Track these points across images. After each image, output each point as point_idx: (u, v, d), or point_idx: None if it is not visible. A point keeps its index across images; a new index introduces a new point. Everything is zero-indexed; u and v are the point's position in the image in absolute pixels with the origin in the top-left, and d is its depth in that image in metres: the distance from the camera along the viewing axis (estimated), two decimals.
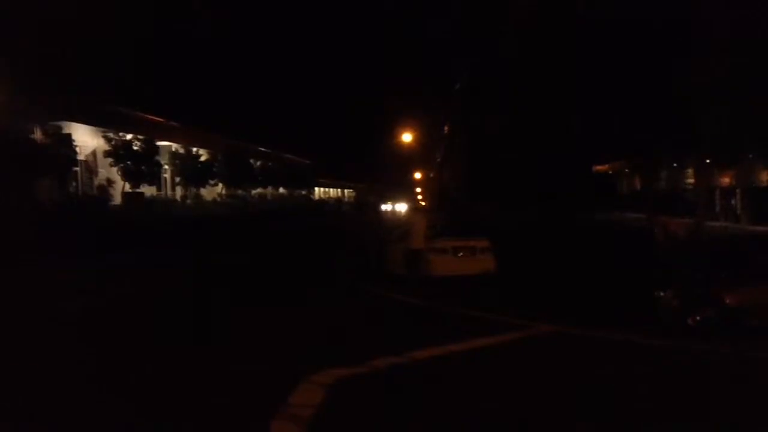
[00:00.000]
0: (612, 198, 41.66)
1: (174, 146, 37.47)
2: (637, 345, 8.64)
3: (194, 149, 38.58)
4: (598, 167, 46.70)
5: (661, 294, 9.63)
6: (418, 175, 67.44)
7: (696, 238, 15.68)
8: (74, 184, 28.69)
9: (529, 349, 8.53)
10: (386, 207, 67.06)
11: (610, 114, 35.42)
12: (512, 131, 37.96)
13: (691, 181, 34.40)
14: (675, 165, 36.13)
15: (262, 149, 52.32)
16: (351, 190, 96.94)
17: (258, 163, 49.52)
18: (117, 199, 30.04)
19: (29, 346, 8.58)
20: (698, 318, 9.11)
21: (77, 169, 28.34)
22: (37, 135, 24.46)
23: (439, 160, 44.74)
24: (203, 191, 40.09)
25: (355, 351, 8.05)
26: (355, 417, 5.78)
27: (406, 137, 48.47)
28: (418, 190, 65.01)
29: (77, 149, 26.31)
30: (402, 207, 60.88)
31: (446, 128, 41.44)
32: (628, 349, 8.47)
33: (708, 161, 29.06)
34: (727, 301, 8.83)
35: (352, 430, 5.49)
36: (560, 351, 8.39)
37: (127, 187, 30.96)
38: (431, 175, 55.56)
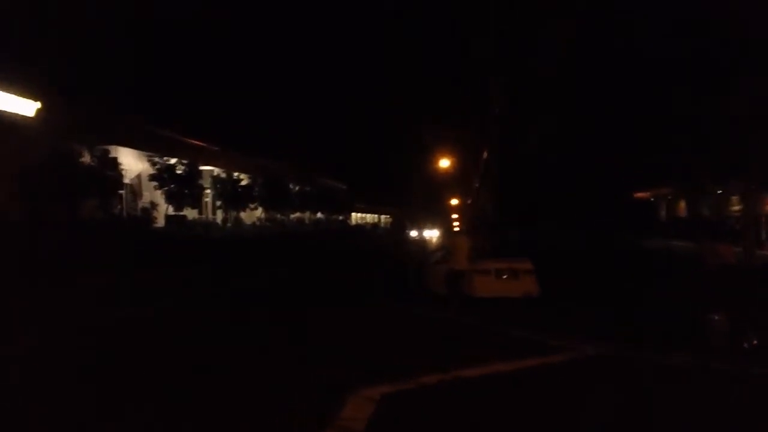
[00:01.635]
0: (653, 225, 41.05)
1: (216, 170, 38.13)
2: (689, 367, 8.45)
3: (235, 174, 39.19)
4: (639, 194, 46.14)
5: (714, 317, 9.42)
6: (454, 201, 67.33)
7: (746, 265, 15.33)
8: (119, 206, 29.33)
9: (576, 371, 8.41)
10: (415, 233, 64.84)
11: (651, 140, 35.05)
12: (552, 156, 37.72)
13: (736, 208, 33.73)
14: (720, 192, 35.50)
15: (301, 174, 52.89)
16: (387, 216, 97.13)
17: (296, 187, 50.03)
18: (160, 222, 30.58)
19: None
20: (755, 342, 8.90)
21: (122, 191, 28.99)
22: (86, 158, 25.10)
23: (477, 185, 44.58)
24: (243, 215, 40.60)
25: (401, 368, 8.02)
26: (405, 429, 5.77)
27: (444, 163, 48.55)
28: (455, 216, 64.84)
29: (123, 172, 26.92)
30: (434, 233, 58.60)
31: (485, 153, 41.33)
32: (679, 372, 8.29)
33: (754, 188, 28.46)
34: None
35: None
36: (608, 373, 8.26)
37: (170, 210, 31.54)
38: (468, 201, 55.43)
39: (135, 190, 30.46)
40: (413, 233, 65.66)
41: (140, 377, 7.76)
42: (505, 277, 13.92)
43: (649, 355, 9.04)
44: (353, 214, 78.30)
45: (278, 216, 46.26)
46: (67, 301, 14.47)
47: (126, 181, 28.29)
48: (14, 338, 10.29)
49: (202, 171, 33.99)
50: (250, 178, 41.09)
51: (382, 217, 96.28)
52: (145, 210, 29.45)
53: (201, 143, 37.62)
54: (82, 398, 6.81)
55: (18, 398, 6.84)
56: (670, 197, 43.80)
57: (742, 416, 6.31)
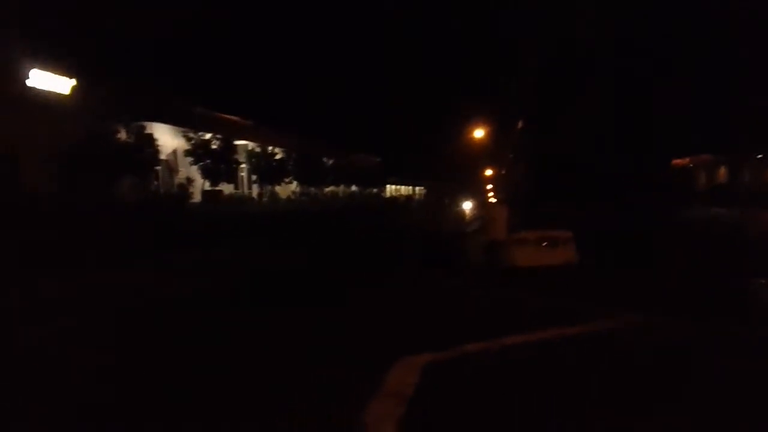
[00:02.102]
0: (692, 192, 40.29)
1: (250, 145, 38.33)
2: (734, 334, 8.27)
3: (269, 148, 39.35)
4: (677, 161, 45.25)
5: (758, 284, 9.20)
6: (489, 172, 66.79)
7: None
8: (156, 182, 29.70)
9: (619, 337, 8.28)
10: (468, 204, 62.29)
11: (689, 107, 34.27)
12: (588, 125, 37.14)
13: None
14: (760, 156, 34.66)
15: (334, 148, 52.96)
16: (421, 188, 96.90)
17: (330, 161, 50.12)
18: (197, 197, 30.91)
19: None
20: None
21: (159, 168, 29.31)
22: (122, 135, 25.39)
23: (512, 156, 44.19)
24: (278, 189, 40.84)
25: (445, 337, 8.00)
26: (451, 397, 5.76)
27: (478, 133, 48.11)
28: (489, 186, 64.28)
29: (159, 148, 27.19)
30: (467, 205, 55.02)
31: (520, 123, 40.88)
32: (723, 338, 8.11)
33: None
34: None
35: (449, 408, 5.46)
36: (652, 340, 8.11)
37: (207, 185, 31.84)
38: (503, 171, 54.97)
39: (171, 166, 30.80)
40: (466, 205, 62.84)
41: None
42: (544, 245, 13.78)
43: (691, 322, 8.87)
44: (387, 186, 78.27)
45: (312, 190, 46.46)
46: (107, 284, 14.69)
47: (162, 157, 28.59)
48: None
49: (236, 146, 34.18)
50: (284, 152, 41.26)
51: (417, 189, 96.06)
52: (181, 186, 29.78)
53: (234, 118, 37.82)
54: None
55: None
56: (709, 163, 42.88)
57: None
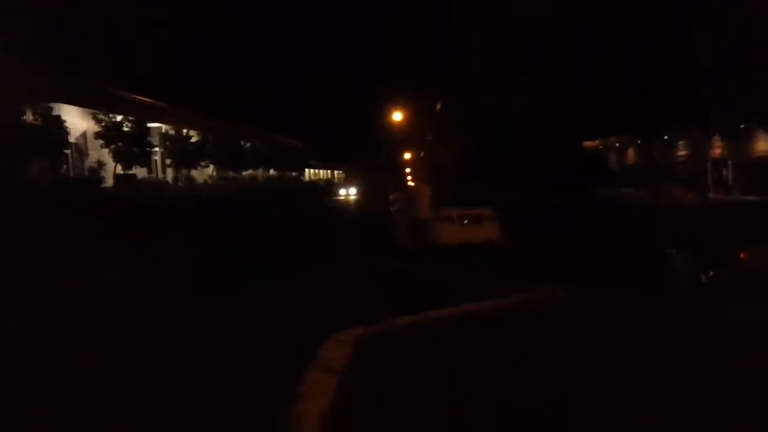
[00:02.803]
0: (603, 173, 41.82)
1: (164, 128, 37.14)
2: (649, 303, 8.66)
3: (185, 131, 38.23)
4: (588, 143, 46.82)
5: (674, 253, 9.67)
6: (407, 156, 67.20)
7: (701, 205, 15.71)
8: (65, 166, 28.39)
9: (537, 309, 8.52)
10: (344, 191, 59.24)
11: (598, 88, 35.49)
12: (505, 108, 37.92)
13: (682, 153, 34.59)
14: (666, 138, 36.33)
15: (254, 131, 52.04)
16: (340, 172, 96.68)
17: (248, 144, 49.21)
18: (109, 181, 29.75)
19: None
20: (711, 275, 9.18)
21: (68, 151, 28.02)
22: (28, 116, 24.11)
23: (430, 138, 44.63)
24: (194, 173, 39.80)
25: (372, 313, 8.04)
26: (380, 367, 5.87)
27: (397, 116, 48.33)
28: (408, 170, 64.71)
29: (68, 131, 25.97)
30: (352, 190, 55.63)
31: (438, 106, 41.32)
32: (638, 308, 8.47)
33: (700, 133, 29.22)
34: (741, 257, 8.90)
35: (380, 378, 5.52)
36: (567, 311, 8.40)
37: (119, 169, 30.68)
38: (422, 154, 55.46)
39: (81, 149, 29.49)
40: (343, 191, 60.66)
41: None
42: (466, 222, 14.01)
43: (609, 292, 9.23)
44: (307, 170, 77.64)
45: (230, 173, 45.53)
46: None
47: (71, 140, 27.34)
48: None
49: (150, 128, 33.03)
50: (201, 135, 40.16)
51: (336, 173, 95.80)
52: (92, 170, 28.57)
53: (149, 100, 36.58)
54: None
55: None
56: (618, 145, 44.62)
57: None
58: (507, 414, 4.37)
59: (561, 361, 5.83)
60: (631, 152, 43.21)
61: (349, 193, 55.47)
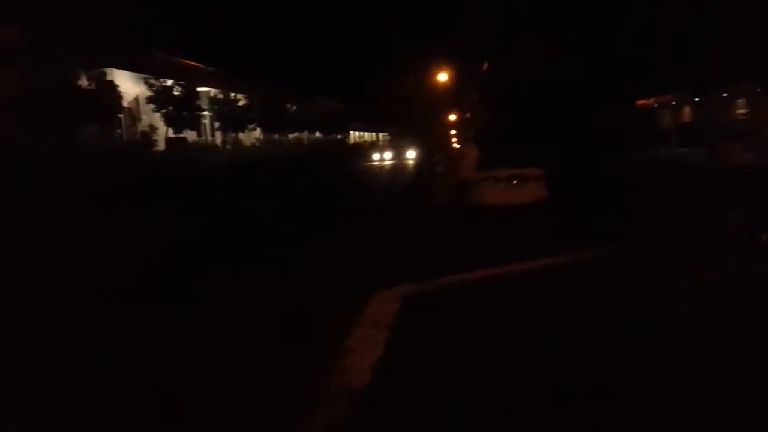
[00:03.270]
0: (657, 133, 40.77)
1: (213, 91, 37.62)
2: (707, 262, 8.49)
3: (232, 94, 38.68)
4: (642, 102, 45.60)
5: (730, 215, 9.45)
6: (452, 117, 66.54)
7: (759, 166, 15.25)
8: (118, 130, 29.09)
9: (592, 268, 8.46)
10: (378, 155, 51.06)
11: (652, 46, 34.42)
12: (552, 67, 37.07)
13: (741, 112, 33.47)
14: (724, 95, 35.14)
15: (297, 94, 52.21)
16: (384, 134, 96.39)
17: (294, 107, 49.48)
18: (161, 145, 30.41)
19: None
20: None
21: (121, 115, 28.68)
22: (83, 82, 24.72)
23: (476, 98, 44.07)
24: (242, 136, 40.33)
25: (420, 271, 8.13)
26: (428, 324, 5.93)
27: (442, 77, 47.81)
28: (452, 132, 64.05)
29: (121, 96, 26.56)
30: (411, 154, 48.08)
31: (485, 65, 40.69)
32: (696, 266, 8.33)
33: (760, 91, 28.20)
34: None
35: (427, 335, 5.61)
36: (624, 270, 8.33)
37: (170, 133, 31.31)
38: (467, 115, 54.85)
39: (133, 113, 30.17)
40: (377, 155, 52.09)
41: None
42: (515, 183, 13.88)
43: (664, 252, 9.10)
44: (351, 133, 77.74)
45: (276, 136, 45.98)
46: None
47: (124, 104, 27.97)
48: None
49: (199, 92, 33.53)
50: (247, 99, 40.58)
51: (380, 135, 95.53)
52: (144, 134, 29.24)
53: (197, 64, 37.02)
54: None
55: None
56: (674, 103, 43.36)
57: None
58: (560, 379, 4.41)
59: (616, 324, 5.83)
60: (687, 111, 42.02)
61: (384, 157, 49.47)
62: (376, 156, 50.31)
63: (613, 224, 11.73)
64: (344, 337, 5.32)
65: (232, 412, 4.01)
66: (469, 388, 4.23)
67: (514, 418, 3.78)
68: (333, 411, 3.85)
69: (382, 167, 40.10)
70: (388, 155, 50.07)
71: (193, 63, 36.63)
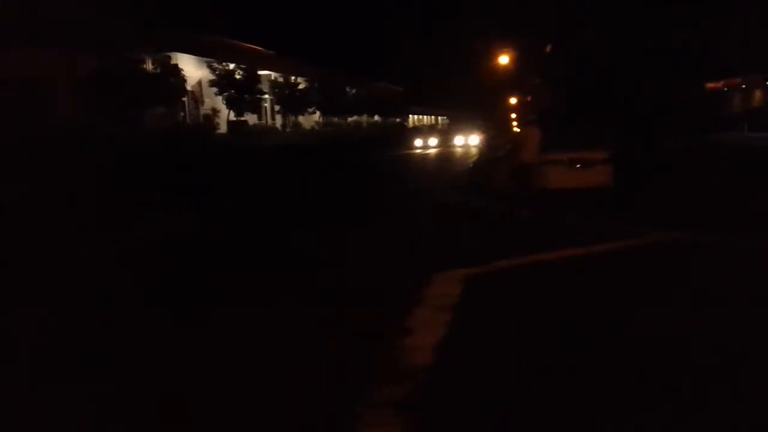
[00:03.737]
0: (725, 116, 39.32)
1: (273, 75, 37.99)
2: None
3: (292, 78, 38.99)
4: (710, 84, 43.96)
5: None
6: (513, 100, 65.59)
7: None
8: (182, 113, 29.71)
9: (650, 254, 8.22)
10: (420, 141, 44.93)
11: (722, 28, 33.11)
12: (618, 48, 36.06)
13: None
14: None
15: (356, 77, 52.29)
16: (443, 118, 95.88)
17: (353, 91, 49.59)
18: (222, 128, 30.94)
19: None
20: None
21: (185, 98, 29.25)
22: (148, 65, 25.28)
23: (538, 81, 43.27)
24: (301, 119, 40.65)
25: (479, 254, 8.05)
26: (489, 306, 5.88)
27: (503, 59, 47.06)
28: (513, 115, 63.11)
29: (185, 79, 27.07)
30: (474, 140, 42.37)
31: (548, 47, 39.88)
32: (758, 254, 8.01)
33: None
34: None
35: (489, 316, 5.56)
36: (681, 256, 8.06)
37: (231, 116, 31.80)
38: (528, 98, 53.98)
39: (196, 96, 30.74)
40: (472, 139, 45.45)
41: None
42: (578, 167, 13.56)
43: (725, 239, 8.77)
44: (410, 116, 77.53)
45: (335, 120, 46.18)
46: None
47: (188, 87, 28.49)
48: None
49: (260, 76, 33.90)
50: (307, 82, 40.84)
51: (439, 118, 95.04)
52: (207, 116, 29.79)
53: (258, 48, 37.40)
54: None
55: None
56: (744, 87, 41.69)
57: None
58: (622, 363, 4.30)
59: (678, 309, 5.65)
60: (758, 94, 40.34)
61: (428, 143, 43.66)
62: (418, 142, 44.14)
63: (678, 209, 11.39)
64: (406, 317, 5.30)
65: (298, 387, 4.04)
66: (530, 372, 4.16)
67: (575, 402, 3.69)
68: (396, 389, 3.83)
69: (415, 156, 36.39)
70: (433, 141, 44.43)
71: (254, 46, 37.02)
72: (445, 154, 35.16)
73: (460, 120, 70.18)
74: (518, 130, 38.59)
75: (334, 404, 3.74)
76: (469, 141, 42.99)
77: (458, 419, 3.53)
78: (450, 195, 15.70)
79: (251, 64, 33.23)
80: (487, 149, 25.17)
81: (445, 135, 46.10)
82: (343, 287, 6.71)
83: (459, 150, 39.60)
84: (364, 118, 54.53)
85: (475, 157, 23.82)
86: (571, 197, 12.91)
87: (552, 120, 33.42)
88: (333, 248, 9.10)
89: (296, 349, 4.81)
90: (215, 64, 30.63)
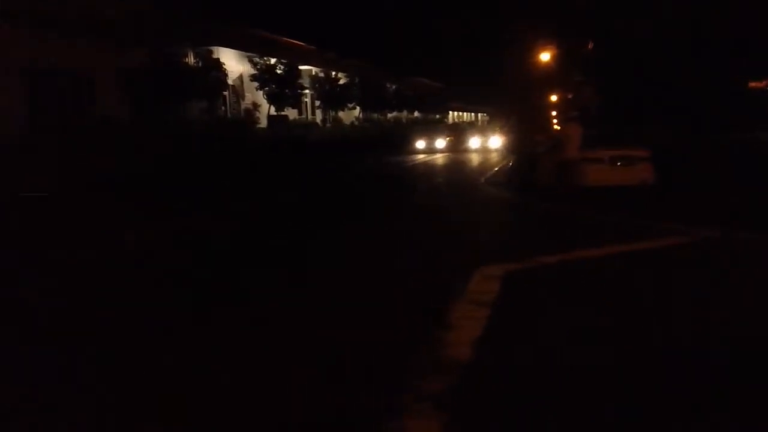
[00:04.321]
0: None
1: (314, 70, 38.19)
2: None
3: (333, 73, 39.15)
4: (754, 84, 42.85)
5: None
6: (553, 97, 64.77)
7: None
8: (223, 107, 30.07)
9: (693, 251, 8.08)
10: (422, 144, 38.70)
11: (765, 25, 32.26)
12: (657, 46, 35.42)
13: None
14: None
15: (396, 73, 52.24)
16: (483, 114, 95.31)
17: (393, 87, 49.60)
18: (263, 122, 31.23)
19: None
20: None
21: (226, 93, 29.59)
22: (190, 59, 25.63)
23: (579, 79, 42.68)
24: (341, 114, 40.81)
25: (519, 250, 8.02)
26: (530, 302, 5.83)
27: (544, 56, 46.55)
28: (553, 112, 62.26)
29: (226, 73, 27.38)
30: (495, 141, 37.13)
31: (590, 44, 39.33)
32: None
33: None
34: None
35: (529, 313, 5.51)
36: (726, 254, 7.91)
37: (272, 111, 32.08)
38: (569, 96, 53.28)
39: (237, 91, 31.08)
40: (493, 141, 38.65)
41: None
42: (619, 164, 13.42)
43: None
44: (450, 113, 77.26)
45: (375, 116, 46.26)
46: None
47: (229, 82, 28.82)
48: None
49: (300, 71, 34.13)
50: (347, 77, 40.98)
51: (479, 115, 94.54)
52: (248, 111, 30.10)
53: (299, 42, 37.60)
54: None
55: None
56: None
57: None
58: (667, 364, 4.24)
59: (722, 307, 5.55)
60: None
61: (435, 146, 37.62)
62: (419, 144, 37.36)
63: (722, 207, 11.16)
64: (447, 312, 5.31)
65: (336, 376, 4.08)
66: (569, 371, 4.12)
67: (618, 404, 3.65)
68: (434, 382, 3.84)
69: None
70: (440, 144, 37.93)
71: (295, 41, 37.23)
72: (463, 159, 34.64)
73: (498, 117, 69.24)
74: (559, 127, 38.14)
75: (372, 395, 3.76)
76: (489, 143, 37.26)
77: (494, 414, 3.53)
78: (490, 190, 15.68)
79: (292, 58, 33.47)
80: (513, 150, 24.82)
81: (458, 135, 39.96)
82: (386, 281, 6.75)
83: (475, 156, 34.33)
84: (404, 114, 54.50)
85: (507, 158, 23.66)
86: (612, 194, 12.77)
87: (593, 117, 32.98)
88: (378, 242, 9.17)
89: (337, 339, 4.86)
90: (256, 59, 30.92)
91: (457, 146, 37.20)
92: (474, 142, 37.89)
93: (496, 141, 36.22)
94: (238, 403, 3.73)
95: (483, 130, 41.25)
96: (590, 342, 4.65)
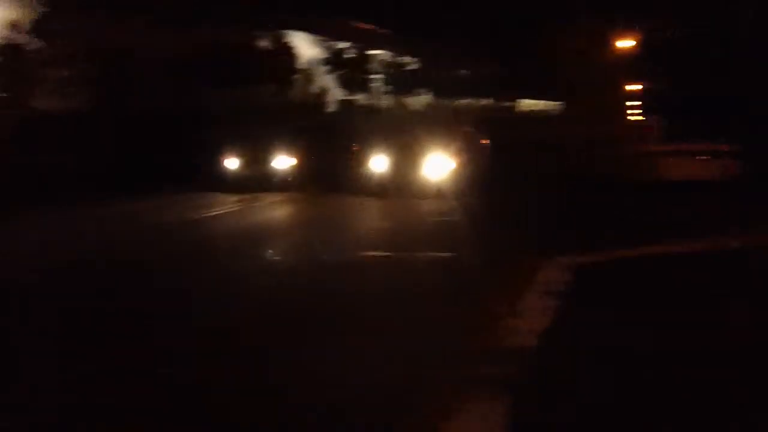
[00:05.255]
0: None
1: (384, 55, 37.99)
2: None
3: (402, 58, 38.85)
4: None
5: None
6: (631, 87, 62.83)
7: None
8: (292, 91, 30.21)
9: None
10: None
11: None
12: (736, 37, 33.78)
13: None
14: None
15: (468, 59, 51.40)
16: (558, 103, 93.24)
17: (464, 72, 48.90)
18: (332, 107, 31.30)
19: None
20: None
21: (296, 77, 29.73)
22: (261, 43, 25.80)
23: (659, 67, 41.19)
24: (411, 100, 40.53)
25: (590, 243, 7.75)
26: (600, 295, 5.65)
27: (628, 43, 45.11)
28: (634, 102, 60.37)
29: (297, 57, 27.50)
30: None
31: (670, 34, 37.87)
32: None
33: None
34: None
35: (597, 305, 5.30)
36: None
37: (341, 95, 32.12)
38: (647, 86, 51.60)
39: (307, 75, 31.21)
40: None
41: None
42: (700, 158, 12.86)
43: None
44: (522, 101, 75.90)
45: (445, 102, 45.75)
46: None
47: (299, 66, 28.95)
48: None
49: (370, 56, 34.02)
50: (417, 62, 40.57)
51: (553, 104, 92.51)
52: (317, 95, 30.21)
53: (369, 27, 37.42)
54: None
55: None
56: None
57: None
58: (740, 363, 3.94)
59: None
60: None
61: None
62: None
63: None
64: (516, 300, 5.16)
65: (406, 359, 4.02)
66: (636, 368, 3.87)
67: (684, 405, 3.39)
68: (499, 368, 3.76)
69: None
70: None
71: (366, 25, 37.07)
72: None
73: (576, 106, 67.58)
74: (635, 118, 36.98)
75: (436, 376, 3.71)
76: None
77: (555, 402, 3.41)
78: (566, 183, 15.23)
79: (363, 43, 33.36)
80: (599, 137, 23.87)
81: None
82: (457, 271, 6.67)
83: None
84: (475, 100, 53.71)
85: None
86: (694, 188, 12.22)
87: (671, 109, 31.74)
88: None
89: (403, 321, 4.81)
90: (327, 43, 30.95)
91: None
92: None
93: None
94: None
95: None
96: (659, 340, 4.35)
